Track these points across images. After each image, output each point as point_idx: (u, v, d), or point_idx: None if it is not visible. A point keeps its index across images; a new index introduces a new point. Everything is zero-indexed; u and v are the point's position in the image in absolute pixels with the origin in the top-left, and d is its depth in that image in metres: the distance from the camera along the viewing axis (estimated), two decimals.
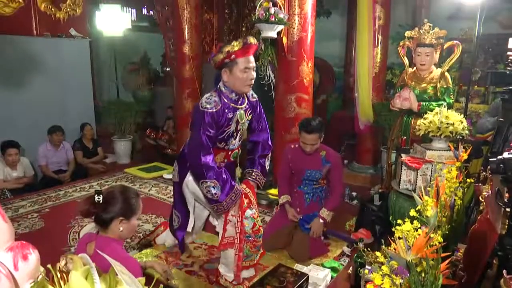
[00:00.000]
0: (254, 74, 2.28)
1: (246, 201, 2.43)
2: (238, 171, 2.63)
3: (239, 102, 2.39)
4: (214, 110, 2.23)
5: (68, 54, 5.27)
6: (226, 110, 2.30)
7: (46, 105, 5.06)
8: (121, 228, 1.71)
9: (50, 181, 4.73)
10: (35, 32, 5.01)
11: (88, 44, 5.62)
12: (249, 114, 2.49)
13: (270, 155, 2.70)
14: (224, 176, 2.32)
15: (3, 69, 4.65)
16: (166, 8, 4.99)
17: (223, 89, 2.31)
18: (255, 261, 2.57)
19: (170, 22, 5.05)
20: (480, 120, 4.29)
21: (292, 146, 3.13)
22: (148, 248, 3.07)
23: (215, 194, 2.27)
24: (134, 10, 8.29)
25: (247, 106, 2.46)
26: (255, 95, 2.53)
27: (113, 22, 5.67)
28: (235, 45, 2.17)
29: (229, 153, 2.49)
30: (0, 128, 4.57)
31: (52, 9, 5.17)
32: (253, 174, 2.59)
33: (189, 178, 2.51)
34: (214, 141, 2.34)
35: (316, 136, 2.87)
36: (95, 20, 5.92)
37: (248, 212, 2.41)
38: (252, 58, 2.26)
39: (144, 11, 8.55)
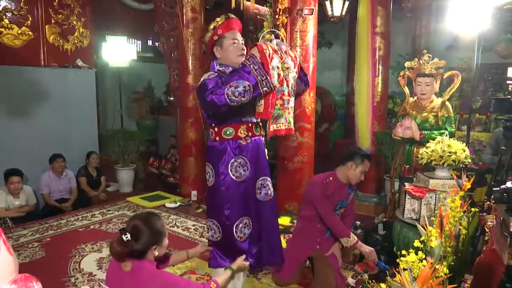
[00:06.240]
0: (244, 46, 2.35)
1: (268, 53, 2.21)
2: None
3: None
4: (214, 76, 2.24)
5: (74, 84, 5.38)
6: None
7: (51, 134, 5.12)
8: (156, 253, 1.79)
9: (52, 209, 4.71)
10: (42, 63, 5.13)
11: (94, 74, 5.74)
12: None
13: None
14: (234, 73, 2.18)
15: (10, 98, 4.74)
16: (171, 40, 5.12)
17: (219, 68, 2.37)
18: (286, 127, 2.39)
19: (175, 53, 5.18)
20: (485, 157, 4.32)
21: (325, 182, 2.87)
22: None
23: (246, 86, 2.06)
24: (140, 41, 8.49)
25: None
26: None
27: (119, 53, 5.81)
28: (219, 20, 2.33)
29: (250, 125, 2.39)
30: (4, 157, 4.61)
31: (60, 41, 5.32)
32: None
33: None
34: (230, 116, 2.29)
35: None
36: (101, 51, 6.07)
37: (274, 62, 2.21)
38: (238, 33, 2.36)
39: (149, 43, 8.76)
